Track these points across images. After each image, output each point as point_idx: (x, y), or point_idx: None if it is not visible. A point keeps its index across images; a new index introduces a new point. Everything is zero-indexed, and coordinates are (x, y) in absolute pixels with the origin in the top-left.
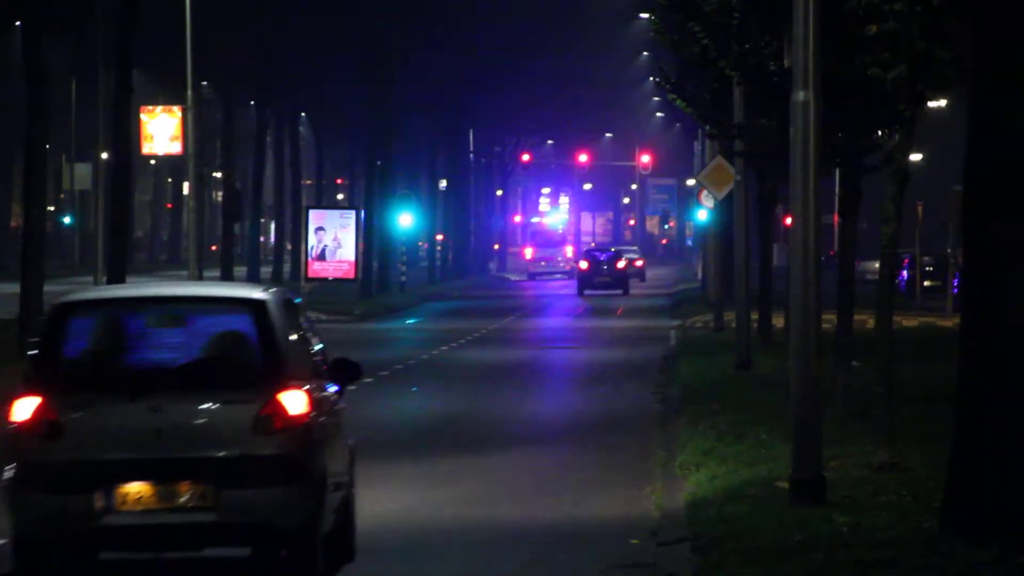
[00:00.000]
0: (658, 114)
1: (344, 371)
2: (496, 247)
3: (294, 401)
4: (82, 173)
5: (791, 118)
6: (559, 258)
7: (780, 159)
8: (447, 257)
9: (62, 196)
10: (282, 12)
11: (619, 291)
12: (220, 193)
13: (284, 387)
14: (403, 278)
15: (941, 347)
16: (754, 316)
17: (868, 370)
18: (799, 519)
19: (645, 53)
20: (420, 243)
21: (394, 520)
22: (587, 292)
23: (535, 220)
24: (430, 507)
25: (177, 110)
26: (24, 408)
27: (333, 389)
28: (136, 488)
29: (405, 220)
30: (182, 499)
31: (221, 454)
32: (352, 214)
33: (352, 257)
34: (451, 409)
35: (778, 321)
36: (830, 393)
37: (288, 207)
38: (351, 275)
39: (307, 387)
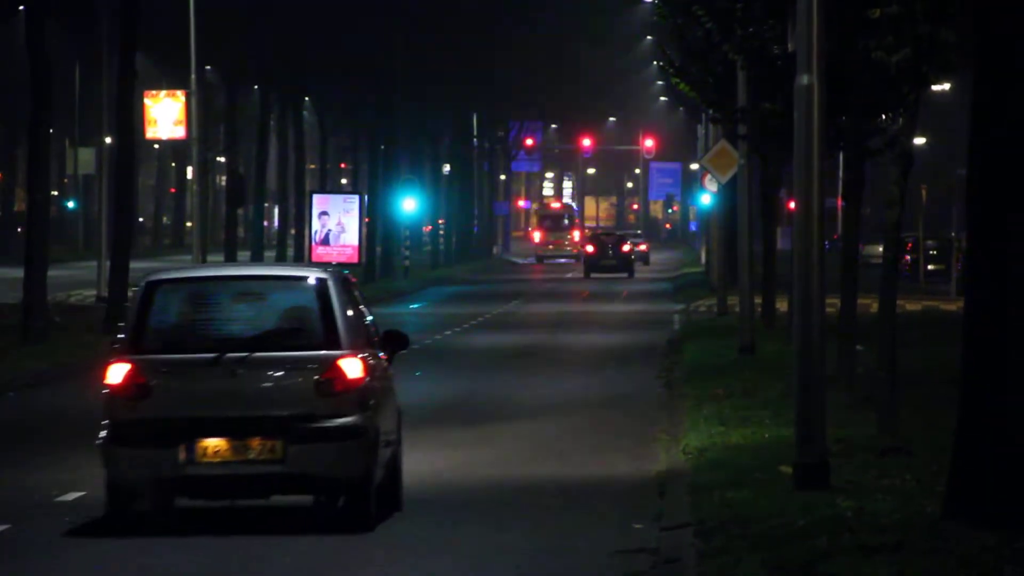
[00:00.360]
0: (662, 98)
1: (393, 341)
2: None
3: (351, 367)
4: (86, 158)
5: (795, 102)
6: (566, 242)
7: (784, 143)
8: (450, 241)
9: (66, 181)
10: None
11: (624, 274)
12: (224, 178)
13: (343, 354)
14: (407, 263)
15: (945, 331)
16: (757, 300)
17: (871, 354)
18: (803, 504)
19: (649, 37)
20: (424, 228)
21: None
22: (593, 275)
23: (540, 205)
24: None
25: (181, 95)
26: (116, 373)
27: (383, 356)
28: (214, 443)
29: (409, 205)
30: (254, 453)
31: (288, 413)
32: (356, 199)
33: (356, 242)
34: (459, 392)
35: (782, 305)
36: (833, 377)
37: (292, 192)
38: (355, 260)
39: (362, 355)
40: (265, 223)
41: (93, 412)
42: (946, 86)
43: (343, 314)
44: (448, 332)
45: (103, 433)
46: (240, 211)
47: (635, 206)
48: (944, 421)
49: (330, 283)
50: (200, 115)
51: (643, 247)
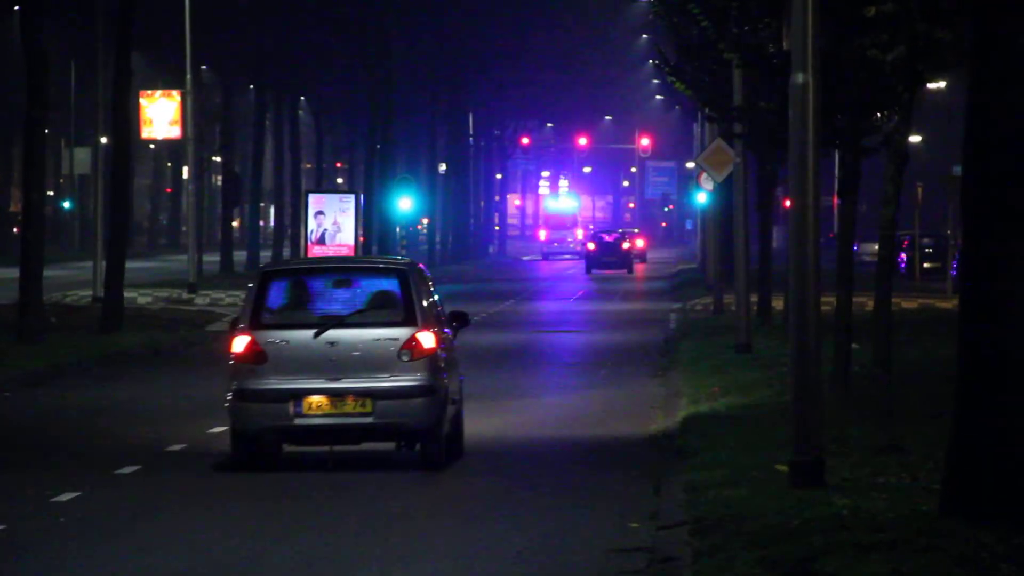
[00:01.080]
0: (658, 97)
1: (457, 320)
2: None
3: (426, 339)
4: (82, 157)
5: (790, 100)
6: (570, 239)
7: (779, 141)
8: (447, 240)
9: (62, 180)
10: None
11: (623, 270)
12: (219, 177)
13: (419, 328)
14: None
15: (941, 329)
16: (753, 298)
17: (867, 352)
18: (799, 502)
19: (645, 36)
20: (418, 226)
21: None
22: (594, 271)
23: (549, 205)
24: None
25: (176, 94)
26: (239, 344)
27: (449, 332)
28: (317, 399)
29: (405, 204)
30: (349, 407)
31: (376, 376)
32: (352, 198)
33: (352, 241)
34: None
35: (778, 303)
36: (829, 375)
37: (288, 191)
38: None
39: (434, 330)
40: (261, 222)
41: (89, 412)
42: (941, 84)
43: (419, 297)
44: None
45: (229, 394)
46: (236, 210)
47: (631, 204)
48: (940, 419)
49: (409, 273)
50: (196, 115)
51: (642, 245)
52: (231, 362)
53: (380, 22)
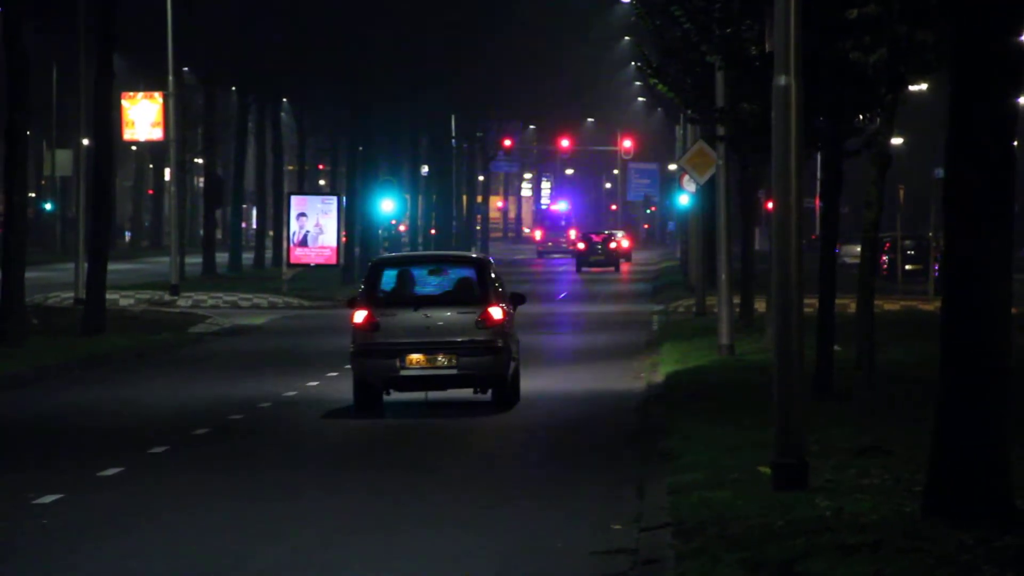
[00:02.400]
0: (640, 99)
1: (516, 299)
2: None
3: (495, 312)
4: (63, 159)
5: (773, 102)
6: (563, 240)
7: (762, 143)
8: (430, 242)
9: (43, 182)
10: None
11: (611, 268)
12: (202, 179)
13: (490, 305)
14: None
15: (923, 330)
16: (736, 300)
17: (850, 354)
18: (782, 504)
19: (627, 38)
20: (401, 228)
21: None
22: (583, 269)
23: (544, 207)
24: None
25: (158, 96)
26: (359, 316)
27: (510, 308)
28: (415, 357)
29: (387, 206)
30: (439, 362)
31: (459, 339)
32: (334, 200)
33: (334, 243)
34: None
35: (760, 305)
36: (812, 377)
37: (270, 193)
38: (333, 261)
39: (501, 305)
40: (243, 224)
41: (72, 414)
42: (924, 87)
43: (490, 281)
44: None
45: (352, 351)
46: (218, 212)
47: (613, 207)
48: (923, 420)
49: (483, 264)
50: (178, 117)
51: (627, 245)
52: (353, 329)
53: (362, 24)
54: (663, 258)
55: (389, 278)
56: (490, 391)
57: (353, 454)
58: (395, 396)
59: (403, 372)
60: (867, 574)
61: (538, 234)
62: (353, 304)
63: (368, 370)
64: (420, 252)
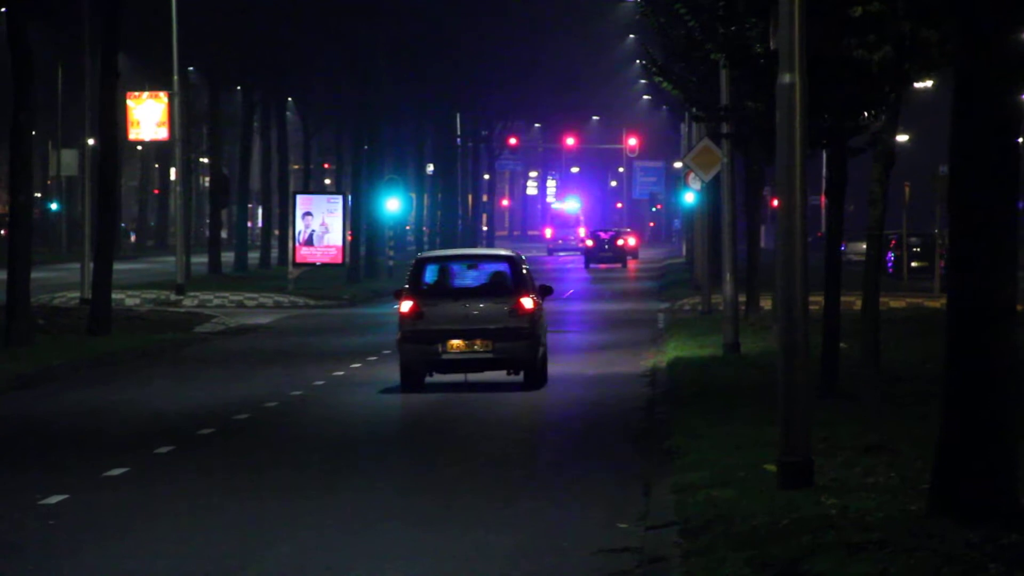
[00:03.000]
0: (645, 97)
1: (544, 291)
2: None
3: (527, 302)
4: (69, 159)
5: (777, 100)
6: (572, 237)
7: (767, 141)
8: (435, 241)
9: (49, 182)
10: None
11: (618, 264)
12: (207, 179)
13: (521, 296)
14: (391, 262)
15: (929, 328)
16: (742, 298)
17: (855, 352)
18: (787, 502)
19: (632, 36)
20: (407, 227)
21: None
22: (592, 266)
23: (555, 206)
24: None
25: (163, 96)
26: (405, 306)
27: (539, 299)
28: (456, 342)
29: (392, 204)
30: (477, 347)
31: (495, 326)
32: (339, 199)
33: (339, 242)
34: (448, 391)
35: (766, 303)
36: (817, 375)
37: (275, 192)
38: (339, 260)
39: (532, 296)
40: (249, 224)
41: (78, 415)
42: (929, 84)
43: (521, 274)
44: None
45: (398, 338)
46: (224, 212)
47: (619, 205)
48: (928, 417)
49: (515, 260)
50: (183, 116)
51: (634, 242)
52: (400, 316)
53: (367, 23)
54: (669, 256)
55: (431, 272)
56: (521, 373)
57: (358, 452)
58: (433, 379)
59: (444, 356)
60: (873, 572)
61: (548, 232)
62: (400, 296)
63: (413, 354)
64: (459, 250)
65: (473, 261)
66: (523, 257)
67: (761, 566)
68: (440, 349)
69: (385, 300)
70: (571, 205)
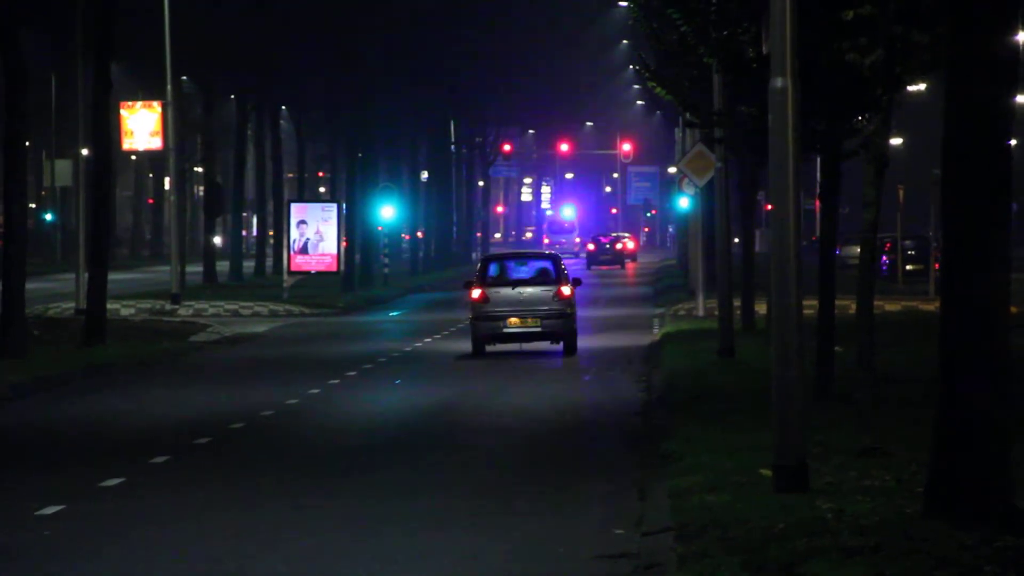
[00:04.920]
0: (638, 102)
1: (575, 282)
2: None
3: (566, 289)
4: (63, 170)
5: (770, 104)
6: (565, 242)
7: (760, 145)
8: (430, 248)
9: (43, 193)
10: (262, 5)
11: (617, 266)
12: (201, 188)
13: (561, 284)
14: (386, 270)
15: (923, 331)
16: (736, 303)
17: (850, 355)
18: (783, 506)
19: (624, 41)
20: (403, 235)
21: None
22: (593, 267)
23: (550, 213)
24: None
25: (157, 105)
26: (475, 293)
27: (573, 287)
28: (513, 319)
29: (387, 212)
30: (529, 323)
31: (542, 308)
32: (334, 207)
33: (334, 250)
34: (443, 396)
35: (761, 307)
36: (812, 379)
37: (270, 201)
38: (333, 268)
39: (569, 285)
40: (244, 232)
41: (73, 425)
42: (922, 87)
43: (560, 269)
44: (428, 339)
45: (470, 318)
46: (219, 220)
47: (614, 210)
48: (923, 420)
49: (555, 257)
50: (176, 125)
51: (632, 246)
52: (470, 301)
53: (361, 31)
54: (664, 260)
55: (494, 267)
56: (561, 344)
57: (354, 459)
58: (495, 348)
59: (505, 330)
60: None
61: (546, 239)
62: (469, 286)
63: (483, 329)
64: (514, 250)
65: (524, 259)
66: (560, 256)
67: (757, 570)
68: (502, 325)
69: (380, 308)
70: (567, 213)
